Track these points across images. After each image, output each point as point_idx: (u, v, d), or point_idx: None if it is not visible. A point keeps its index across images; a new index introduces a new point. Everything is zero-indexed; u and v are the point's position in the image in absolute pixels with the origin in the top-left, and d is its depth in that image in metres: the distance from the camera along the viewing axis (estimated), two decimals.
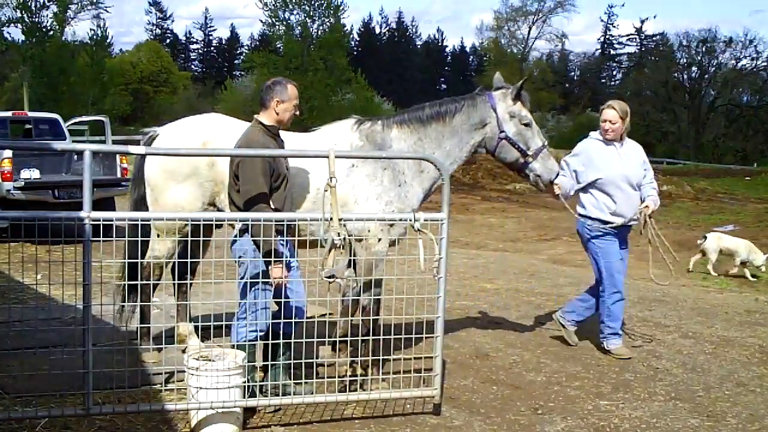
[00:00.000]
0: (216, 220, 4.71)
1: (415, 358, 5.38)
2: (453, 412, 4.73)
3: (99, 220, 3.95)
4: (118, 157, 11.76)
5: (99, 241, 3.94)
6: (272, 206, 4.44)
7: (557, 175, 5.47)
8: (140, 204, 5.43)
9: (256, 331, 4.49)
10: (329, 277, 4.18)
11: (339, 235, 4.13)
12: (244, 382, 4.25)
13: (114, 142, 15.98)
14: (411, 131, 5.25)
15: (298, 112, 4.64)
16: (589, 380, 5.49)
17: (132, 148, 4.37)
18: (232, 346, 4.48)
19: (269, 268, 4.29)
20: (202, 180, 5.13)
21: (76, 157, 11.90)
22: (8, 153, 10.65)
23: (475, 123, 5.28)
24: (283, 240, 4.44)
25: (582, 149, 6.15)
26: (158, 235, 5.29)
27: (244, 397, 4.25)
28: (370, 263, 5.06)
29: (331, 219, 4.16)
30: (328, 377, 4.83)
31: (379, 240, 5.06)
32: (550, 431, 4.52)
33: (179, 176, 5.15)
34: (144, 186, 5.38)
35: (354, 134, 5.23)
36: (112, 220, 4.14)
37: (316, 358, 5.33)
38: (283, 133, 5.01)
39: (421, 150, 5.18)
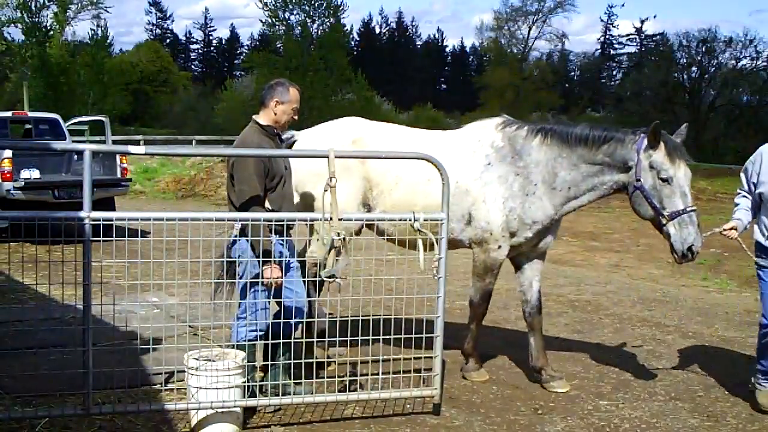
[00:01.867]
0: (216, 220, 4.70)
1: (415, 358, 5.38)
2: (453, 412, 4.73)
3: (99, 220, 3.95)
4: (118, 157, 11.78)
5: (99, 241, 3.94)
6: (269, 206, 4.43)
7: (690, 248, 4.63)
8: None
9: (255, 330, 4.49)
10: (329, 277, 4.18)
11: (339, 235, 4.13)
12: (244, 382, 4.25)
13: (114, 142, 15.98)
14: (552, 145, 5.02)
15: (296, 117, 4.62)
16: (589, 380, 5.49)
17: (132, 148, 4.37)
18: (232, 346, 4.48)
19: (262, 268, 4.28)
20: (355, 178, 5.18)
21: (76, 157, 11.91)
22: (8, 153, 10.66)
23: (617, 161, 4.87)
24: (282, 240, 4.44)
25: (756, 156, 4.96)
26: (317, 240, 5.27)
27: (244, 397, 4.25)
28: (486, 266, 5.12)
29: (331, 219, 4.16)
30: (328, 377, 4.83)
31: (499, 247, 5.06)
32: (550, 431, 4.52)
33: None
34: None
35: (498, 134, 5.18)
36: (112, 220, 4.14)
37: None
38: (426, 132, 5.37)
39: (558, 168, 4.99)
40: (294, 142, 5.44)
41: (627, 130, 4.94)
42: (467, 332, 5.46)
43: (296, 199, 5.32)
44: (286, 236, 4.55)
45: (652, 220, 4.82)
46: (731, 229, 4.84)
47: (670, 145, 4.71)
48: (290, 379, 4.67)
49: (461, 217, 5.12)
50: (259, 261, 4.28)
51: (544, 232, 5.18)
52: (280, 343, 4.50)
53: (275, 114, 4.54)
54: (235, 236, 4.46)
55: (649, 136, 4.71)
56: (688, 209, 4.64)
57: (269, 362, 4.58)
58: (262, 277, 4.30)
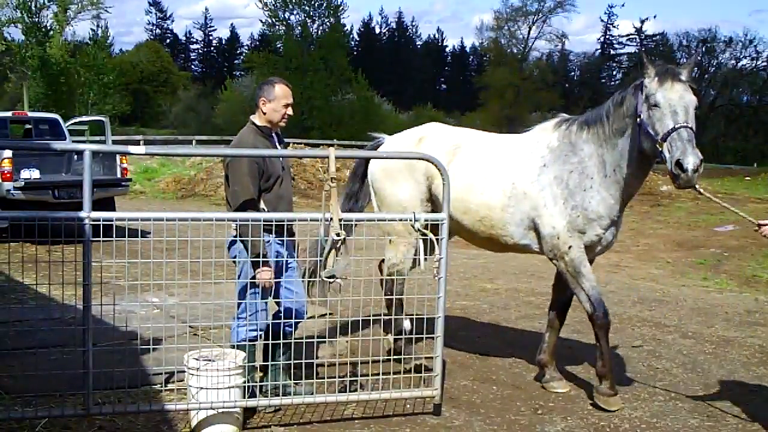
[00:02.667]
0: (216, 220, 4.70)
1: (415, 358, 5.37)
2: (453, 412, 4.73)
3: (99, 220, 3.95)
4: (118, 157, 11.78)
5: (99, 241, 3.94)
6: (263, 207, 4.42)
7: (679, 163, 4.14)
8: (350, 198, 5.75)
9: (255, 330, 4.48)
10: (329, 277, 4.18)
11: (339, 235, 4.12)
12: (244, 382, 4.25)
13: (114, 142, 15.98)
14: (595, 133, 4.84)
15: (291, 112, 4.57)
16: (589, 380, 5.48)
17: (132, 148, 4.37)
18: (232, 346, 4.48)
19: (256, 270, 4.27)
20: (418, 176, 5.27)
21: (76, 157, 11.91)
22: (8, 153, 10.65)
23: (631, 113, 4.61)
24: (280, 240, 4.44)
25: None
26: (390, 241, 5.47)
27: (244, 398, 4.25)
28: (570, 271, 4.89)
29: (331, 219, 4.16)
30: (328, 377, 4.83)
31: (570, 247, 4.83)
32: (550, 431, 4.52)
33: (397, 174, 5.34)
34: (357, 183, 5.71)
35: (554, 134, 5.04)
36: (112, 220, 4.14)
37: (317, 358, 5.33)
38: (492, 135, 5.33)
39: (605, 154, 4.76)
40: (380, 144, 5.69)
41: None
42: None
43: (373, 197, 5.56)
44: (287, 237, 4.54)
45: (656, 154, 4.44)
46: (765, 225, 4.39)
47: (660, 69, 4.45)
48: (290, 379, 4.67)
49: (520, 222, 4.99)
50: (254, 262, 4.27)
51: (612, 227, 4.92)
52: (280, 343, 4.51)
53: (265, 113, 4.52)
54: (233, 237, 4.46)
55: (638, 64, 4.57)
56: (677, 126, 4.24)
57: (269, 362, 4.59)
58: (256, 278, 4.29)
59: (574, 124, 5.00)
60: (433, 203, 5.34)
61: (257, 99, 4.54)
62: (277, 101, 4.48)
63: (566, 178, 4.84)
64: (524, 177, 4.96)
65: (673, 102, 4.33)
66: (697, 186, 4.26)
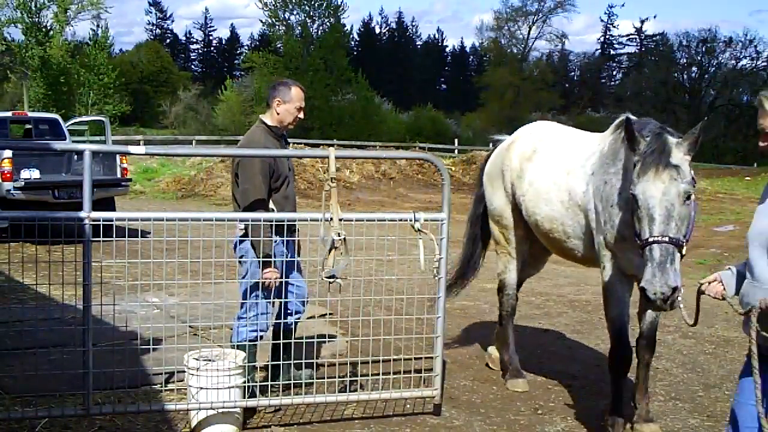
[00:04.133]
0: (216, 220, 4.70)
1: (415, 358, 5.38)
2: (453, 412, 4.73)
3: (99, 220, 3.95)
4: (118, 157, 11.78)
5: (99, 241, 3.94)
6: (272, 207, 4.44)
7: (643, 290, 3.38)
8: (480, 201, 5.77)
9: (256, 330, 4.49)
10: (329, 278, 4.18)
11: (339, 236, 4.12)
12: (244, 382, 4.25)
13: (114, 142, 15.98)
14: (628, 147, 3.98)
15: (302, 116, 4.61)
16: (589, 380, 5.48)
17: (132, 148, 4.37)
18: (233, 346, 4.48)
19: (262, 269, 4.28)
20: (506, 182, 5.24)
21: (76, 157, 11.91)
22: (8, 153, 10.65)
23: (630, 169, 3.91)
24: (284, 240, 4.45)
25: None
26: (497, 252, 5.56)
27: (244, 398, 4.25)
28: (603, 289, 4.59)
29: (331, 219, 4.16)
30: (328, 377, 4.83)
31: (604, 267, 4.39)
32: (550, 431, 4.51)
33: (494, 181, 5.31)
34: (482, 188, 5.65)
35: (610, 137, 4.43)
36: (112, 220, 4.14)
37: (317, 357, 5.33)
38: (579, 134, 5.11)
39: (631, 180, 3.67)
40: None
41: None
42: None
43: (488, 196, 5.47)
44: (290, 237, 4.54)
45: None
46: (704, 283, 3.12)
47: (647, 148, 3.59)
48: (294, 370, 4.69)
49: (582, 234, 4.59)
50: (261, 262, 4.28)
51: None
52: (291, 342, 4.54)
53: (278, 114, 4.54)
54: (239, 236, 4.46)
55: (626, 136, 3.69)
56: (651, 240, 3.40)
57: (281, 361, 4.57)
58: (262, 278, 4.30)
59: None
60: (519, 211, 5.16)
61: (271, 99, 4.55)
62: (291, 103, 4.52)
63: (601, 189, 4.29)
64: (577, 186, 4.55)
65: (652, 202, 3.46)
66: (680, 309, 3.31)
